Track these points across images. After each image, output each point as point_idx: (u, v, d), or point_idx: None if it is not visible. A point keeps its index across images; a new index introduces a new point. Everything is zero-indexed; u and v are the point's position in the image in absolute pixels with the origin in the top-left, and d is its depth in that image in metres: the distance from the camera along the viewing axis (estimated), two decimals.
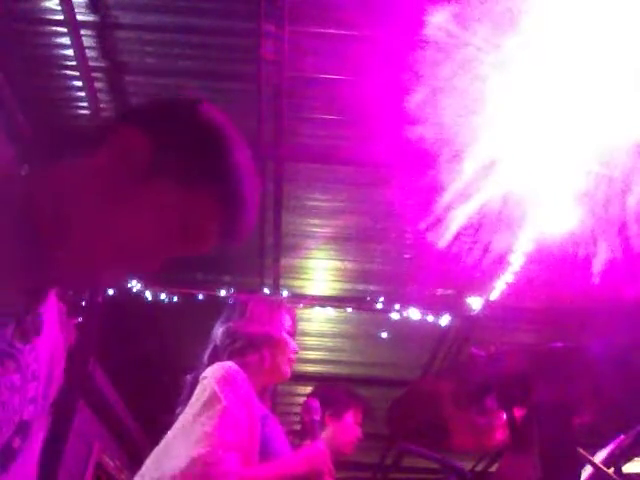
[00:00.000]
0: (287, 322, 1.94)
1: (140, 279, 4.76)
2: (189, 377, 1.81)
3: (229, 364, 1.70)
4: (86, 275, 0.83)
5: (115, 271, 0.84)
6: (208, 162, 0.85)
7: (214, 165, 0.85)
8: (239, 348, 1.81)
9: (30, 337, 0.80)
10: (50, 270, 0.82)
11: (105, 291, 4.68)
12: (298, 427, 2.61)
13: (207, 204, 0.84)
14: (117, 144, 0.83)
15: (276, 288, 4.96)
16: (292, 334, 1.94)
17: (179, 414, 1.66)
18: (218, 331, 1.87)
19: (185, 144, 0.85)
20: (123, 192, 0.81)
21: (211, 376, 1.64)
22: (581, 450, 1.55)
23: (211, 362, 1.78)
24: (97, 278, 0.85)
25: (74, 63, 3.25)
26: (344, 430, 2.60)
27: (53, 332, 0.88)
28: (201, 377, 1.68)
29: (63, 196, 0.81)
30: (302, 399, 2.59)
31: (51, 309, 0.87)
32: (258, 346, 1.83)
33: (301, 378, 5.67)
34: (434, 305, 4.94)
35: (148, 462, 1.56)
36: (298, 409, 2.70)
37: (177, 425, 1.59)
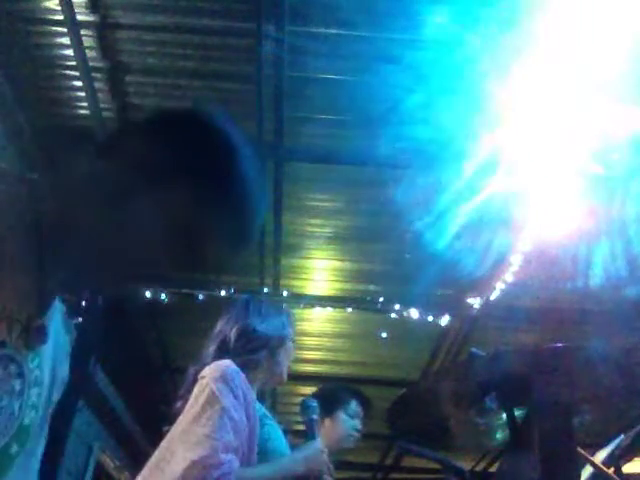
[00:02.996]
0: (292, 328, 1.96)
1: (142, 279, 4.76)
2: (192, 370, 1.80)
3: (227, 363, 1.69)
4: (92, 277, 0.83)
5: (123, 271, 0.84)
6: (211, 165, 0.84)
7: (217, 167, 0.84)
8: (254, 347, 1.81)
9: (35, 344, 0.80)
10: (57, 272, 0.82)
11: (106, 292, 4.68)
12: (299, 427, 2.63)
13: (207, 206, 0.83)
14: (122, 151, 0.83)
15: (276, 288, 4.96)
16: (294, 341, 1.96)
17: (179, 408, 1.66)
18: (231, 327, 1.85)
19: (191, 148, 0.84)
20: (128, 196, 0.81)
21: (209, 376, 1.63)
22: (581, 450, 1.55)
23: (217, 357, 1.77)
24: (103, 280, 0.84)
25: (74, 63, 3.25)
26: (336, 426, 2.64)
27: (57, 336, 0.88)
28: (199, 376, 1.67)
29: (68, 199, 0.81)
30: (301, 399, 2.60)
31: (55, 311, 0.86)
32: (273, 348, 1.84)
33: (301, 378, 5.67)
34: (434, 305, 4.94)
35: (149, 465, 1.55)
36: (297, 409, 2.71)
37: (176, 426, 1.58)
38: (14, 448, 0.80)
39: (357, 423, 2.75)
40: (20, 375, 0.79)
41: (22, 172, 0.84)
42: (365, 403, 2.85)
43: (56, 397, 0.90)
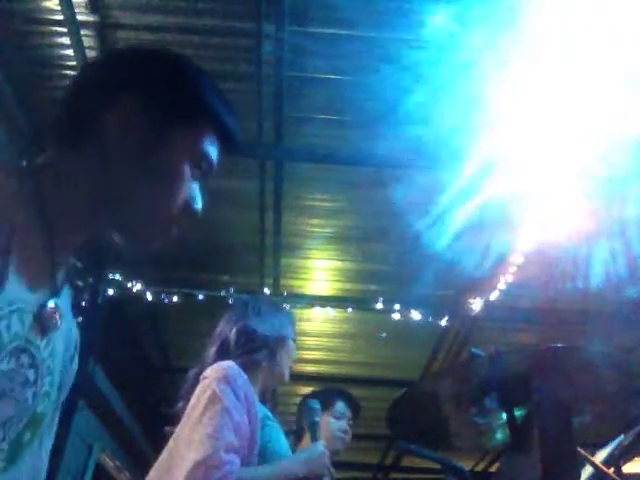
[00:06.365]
0: (293, 327, 1.96)
1: (142, 278, 4.77)
2: (192, 372, 1.80)
3: (229, 364, 1.69)
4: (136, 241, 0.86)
5: (150, 231, 0.85)
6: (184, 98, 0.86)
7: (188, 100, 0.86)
8: (253, 347, 1.80)
9: (48, 331, 0.80)
10: (68, 253, 0.84)
11: (105, 291, 4.69)
12: (294, 427, 2.61)
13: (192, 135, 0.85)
14: (108, 122, 0.83)
15: (276, 288, 4.97)
16: (294, 340, 1.96)
17: (181, 408, 1.67)
18: (231, 328, 1.85)
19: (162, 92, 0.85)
20: (126, 164, 0.82)
21: (211, 376, 1.63)
22: (581, 450, 1.55)
23: (217, 358, 1.77)
24: (139, 242, 0.86)
25: (74, 63, 3.26)
26: (322, 429, 2.59)
27: (69, 326, 0.88)
28: (201, 377, 1.67)
29: (69, 181, 0.82)
30: (303, 400, 2.59)
31: (66, 304, 0.87)
32: (272, 348, 1.83)
33: (301, 378, 5.68)
34: (434, 305, 4.94)
35: (157, 467, 1.56)
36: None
37: (181, 427, 1.59)
38: (27, 436, 0.80)
39: (343, 424, 2.69)
40: (33, 365, 0.79)
41: (22, 169, 0.84)
42: (352, 403, 2.80)
43: (65, 390, 0.89)
